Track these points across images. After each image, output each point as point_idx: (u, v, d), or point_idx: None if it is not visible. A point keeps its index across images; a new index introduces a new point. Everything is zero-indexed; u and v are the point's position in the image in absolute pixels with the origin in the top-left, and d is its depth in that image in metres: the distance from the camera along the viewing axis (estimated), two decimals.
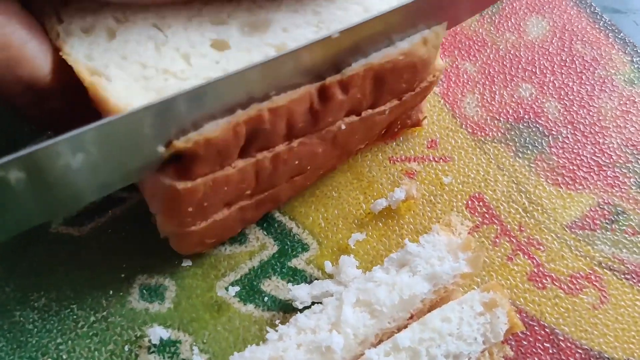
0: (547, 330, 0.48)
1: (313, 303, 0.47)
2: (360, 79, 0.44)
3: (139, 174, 0.40)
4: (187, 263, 0.50)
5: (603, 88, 0.60)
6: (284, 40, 0.44)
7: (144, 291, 0.49)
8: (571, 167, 0.55)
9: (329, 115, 0.45)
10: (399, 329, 0.42)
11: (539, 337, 0.47)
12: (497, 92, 0.60)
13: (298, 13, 0.45)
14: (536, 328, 0.48)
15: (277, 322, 0.47)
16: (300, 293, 0.47)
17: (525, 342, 0.47)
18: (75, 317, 0.47)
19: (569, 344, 0.47)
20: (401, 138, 0.56)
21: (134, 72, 0.41)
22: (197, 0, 0.45)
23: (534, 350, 0.47)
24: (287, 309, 0.48)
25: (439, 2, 0.45)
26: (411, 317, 0.42)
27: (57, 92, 0.41)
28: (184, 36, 0.43)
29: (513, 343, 0.47)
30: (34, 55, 0.40)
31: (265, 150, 0.43)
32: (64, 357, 0.46)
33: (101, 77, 0.40)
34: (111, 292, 0.48)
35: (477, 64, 0.61)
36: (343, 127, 0.46)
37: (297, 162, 0.46)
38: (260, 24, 0.45)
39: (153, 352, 0.46)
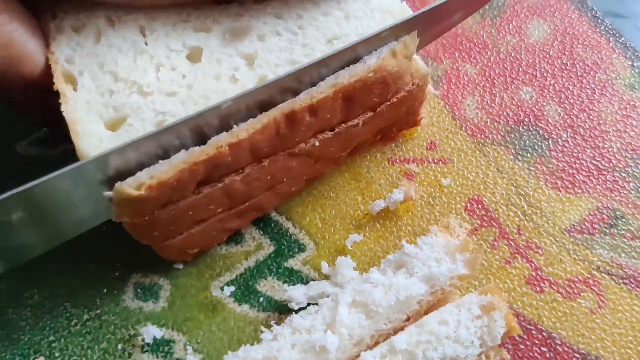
0: (544, 334, 0.47)
1: (309, 304, 0.47)
2: (330, 101, 0.43)
3: (100, 217, 0.40)
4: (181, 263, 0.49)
5: (603, 92, 0.60)
6: (256, 49, 0.44)
7: (138, 290, 0.48)
8: (571, 171, 0.55)
9: (297, 136, 0.44)
10: (395, 331, 0.41)
11: (536, 341, 0.47)
12: (497, 95, 0.59)
13: (281, 18, 0.46)
14: (533, 332, 0.47)
15: (272, 322, 0.47)
16: (296, 294, 0.46)
17: (522, 346, 0.47)
18: (68, 315, 0.47)
19: (566, 348, 0.47)
20: (400, 139, 0.56)
21: (104, 84, 0.42)
22: (189, 4, 0.46)
23: (531, 354, 0.46)
24: (282, 310, 0.48)
25: (413, 26, 0.44)
26: (408, 319, 0.42)
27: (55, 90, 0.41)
28: (163, 43, 0.44)
29: (510, 346, 0.47)
30: (34, 53, 0.41)
31: (233, 174, 0.43)
32: (57, 355, 0.45)
33: (70, 85, 0.41)
34: (105, 290, 0.48)
35: (477, 66, 0.61)
36: (317, 143, 0.45)
37: (269, 177, 0.45)
38: (240, 31, 0.45)
39: (146, 351, 0.46)
